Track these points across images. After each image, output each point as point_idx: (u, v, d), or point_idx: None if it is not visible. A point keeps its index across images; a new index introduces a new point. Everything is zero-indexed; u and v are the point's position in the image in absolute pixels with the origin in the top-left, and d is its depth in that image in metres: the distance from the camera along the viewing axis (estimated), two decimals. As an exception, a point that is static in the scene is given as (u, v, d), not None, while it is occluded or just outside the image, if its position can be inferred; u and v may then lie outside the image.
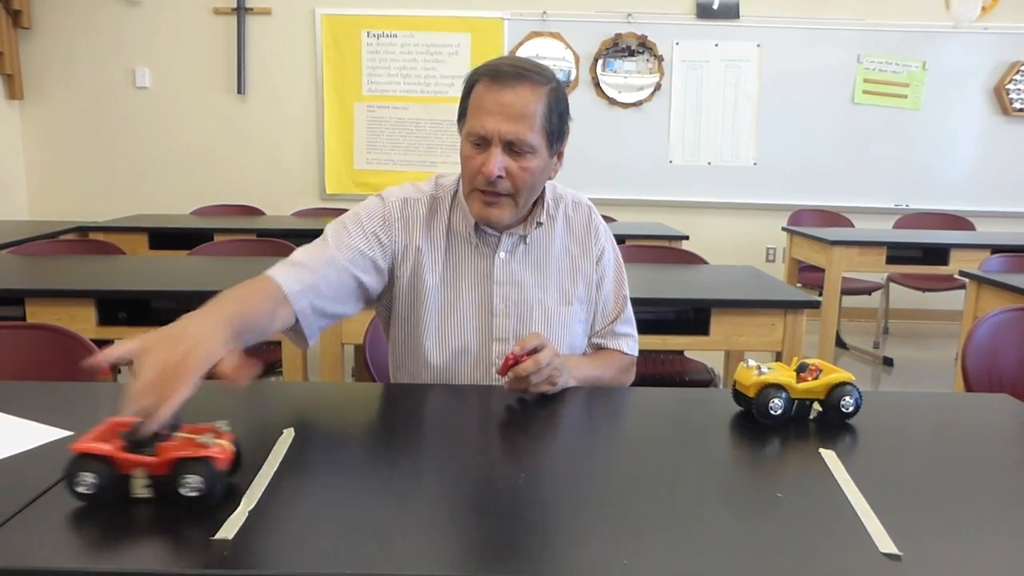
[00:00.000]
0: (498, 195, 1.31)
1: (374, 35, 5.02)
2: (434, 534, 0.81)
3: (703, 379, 2.45)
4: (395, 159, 5.14)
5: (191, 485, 0.85)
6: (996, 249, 3.59)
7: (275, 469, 0.96)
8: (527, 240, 1.42)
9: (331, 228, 1.37)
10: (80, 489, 0.85)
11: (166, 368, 0.88)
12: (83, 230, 3.70)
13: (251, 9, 4.99)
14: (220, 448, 0.87)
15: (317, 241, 1.35)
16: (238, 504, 0.86)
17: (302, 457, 1.00)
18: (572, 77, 5.05)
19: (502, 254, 1.41)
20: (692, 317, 2.29)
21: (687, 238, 3.65)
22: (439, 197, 1.42)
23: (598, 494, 0.92)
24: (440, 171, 1.49)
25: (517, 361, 1.22)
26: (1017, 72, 5.00)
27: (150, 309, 2.27)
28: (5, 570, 0.74)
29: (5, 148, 4.99)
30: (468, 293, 1.40)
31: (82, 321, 2.21)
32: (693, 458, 1.06)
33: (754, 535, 0.83)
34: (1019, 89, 5.02)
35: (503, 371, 1.23)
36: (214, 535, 0.79)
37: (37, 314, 2.22)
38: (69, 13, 4.97)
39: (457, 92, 1.39)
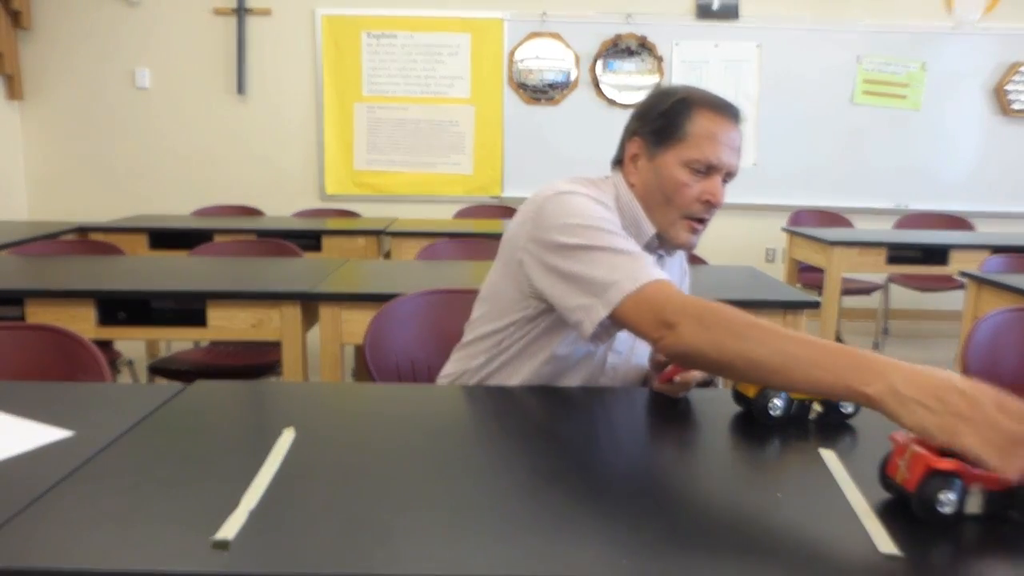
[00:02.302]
0: (704, 222, 1.35)
1: (374, 35, 5.03)
2: (434, 534, 0.81)
3: (703, 379, 2.45)
4: (395, 159, 5.14)
5: None
6: (996, 249, 3.59)
7: (275, 469, 0.96)
8: (662, 261, 1.46)
9: (607, 241, 1.25)
10: (943, 509, 0.83)
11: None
12: (83, 230, 3.71)
13: (251, 9, 4.99)
14: None
15: (621, 254, 1.24)
16: (238, 504, 0.86)
17: (302, 457, 1.00)
18: (572, 77, 5.05)
19: None
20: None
21: (687, 238, 3.65)
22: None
23: (598, 494, 0.92)
24: (584, 176, 1.42)
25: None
26: (1017, 73, 5.00)
27: (150, 309, 2.27)
28: (5, 570, 0.74)
29: (5, 148, 4.99)
30: None
31: (82, 321, 2.21)
32: (693, 458, 1.06)
33: (754, 535, 0.83)
34: (1019, 90, 5.02)
35: (667, 377, 1.28)
36: (214, 535, 0.79)
37: (37, 314, 2.22)
38: (69, 13, 4.97)
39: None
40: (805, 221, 4.76)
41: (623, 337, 1.43)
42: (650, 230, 1.37)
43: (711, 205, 1.32)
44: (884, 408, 0.91)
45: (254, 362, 2.69)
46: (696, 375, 1.27)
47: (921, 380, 0.89)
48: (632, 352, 1.47)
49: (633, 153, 1.38)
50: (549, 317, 1.36)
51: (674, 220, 1.35)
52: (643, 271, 1.21)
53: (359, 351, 2.67)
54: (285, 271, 2.55)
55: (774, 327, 1.06)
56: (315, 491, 0.91)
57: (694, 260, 2.84)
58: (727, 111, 1.33)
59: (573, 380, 1.42)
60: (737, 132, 1.34)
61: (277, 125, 5.11)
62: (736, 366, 1.07)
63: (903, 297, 4.98)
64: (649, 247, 1.40)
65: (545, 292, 1.31)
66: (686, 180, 1.31)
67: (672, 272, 1.54)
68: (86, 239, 3.56)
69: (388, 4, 4.98)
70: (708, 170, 1.31)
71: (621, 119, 1.45)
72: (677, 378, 1.27)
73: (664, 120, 1.33)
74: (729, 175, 1.34)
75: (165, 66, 5.06)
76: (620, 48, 5.03)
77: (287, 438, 1.06)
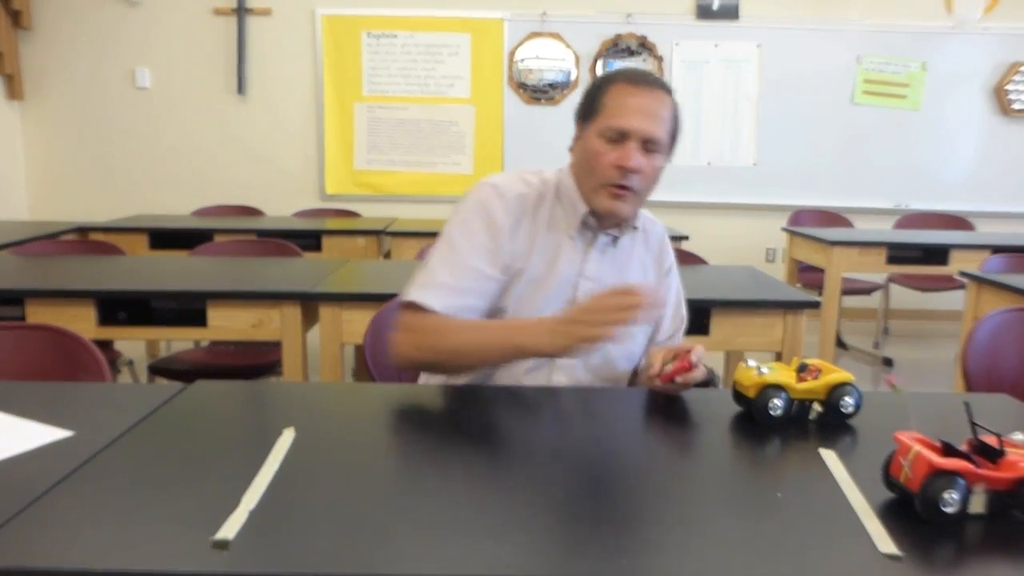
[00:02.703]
0: (627, 189, 1.37)
1: (374, 35, 5.02)
2: (434, 534, 0.81)
3: (703, 379, 2.45)
4: (395, 159, 5.14)
5: None
6: (996, 249, 3.59)
7: (275, 469, 0.96)
8: (616, 243, 1.48)
9: (458, 232, 1.42)
10: (946, 508, 0.84)
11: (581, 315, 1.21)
12: (83, 230, 3.71)
13: (251, 9, 4.99)
14: None
15: (445, 250, 1.41)
16: (238, 504, 0.86)
17: (302, 457, 1.00)
18: (572, 77, 5.05)
19: (596, 252, 1.46)
20: (692, 317, 2.28)
21: (687, 238, 3.65)
22: (544, 192, 1.46)
23: (598, 494, 0.92)
24: (539, 167, 1.52)
25: (687, 368, 1.26)
26: (1017, 72, 5.00)
27: (150, 309, 2.27)
28: (5, 570, 0.74)
29: (5, 148, 4.99)
30: (557, 285, 1.43)
31: (82, 321, 2.21)
32: (693, 458, 1.06)
33: (754, 535, 0.83)
34: (1019, 89, 5.02)
35: (668, 377, 1.27)
36: (214, 535, 0.79)
37: (37, 314, 2.22)
38: (69, 13, 4.97)
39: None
40: (805, 221, 4.76)
41: None
42: (582, 208, 1.43)
43: (625, 170, 1.36)
44: (532, 350, 1.28)
45: (254, 362, 2.69)
46: (696, 375, 1.28)
47: (557, 320, 1.25)
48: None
49: (574, 138, 1.46)
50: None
51: (596, 187, 1.40)
52: (426, 289, 1.36)
53: (359, 351, 2.67)
54: (285, 271, 2.55)
55: (468, 323, 1.35)
56: (315, 491, 0.91)
57: (694, 260, 2.84)
58: (642, 81, 1.38)
59: (524, 372, 1.42)
60: (654, 99, 1.36)
61: (277, 125, 5.11)
62: (452, 359, 1.34)
63: (903, 297, 4.98)
64: (586, 225, 1.45)
65: None
66: (601, 149, 1.37)
67: (645, 267, 1.53)
68: (86, 239, 3.56)
69: (388, 4, 4.98)
70: (621, 137, 1.35)
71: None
72: (679, 379, 1.27)
73: (589, 99, 1.42)
74: (650, 142, 1.36)
75: (165, 66, 5.05)
76: (620, 48, 5.03)
77: (287, 438, 1.06)
